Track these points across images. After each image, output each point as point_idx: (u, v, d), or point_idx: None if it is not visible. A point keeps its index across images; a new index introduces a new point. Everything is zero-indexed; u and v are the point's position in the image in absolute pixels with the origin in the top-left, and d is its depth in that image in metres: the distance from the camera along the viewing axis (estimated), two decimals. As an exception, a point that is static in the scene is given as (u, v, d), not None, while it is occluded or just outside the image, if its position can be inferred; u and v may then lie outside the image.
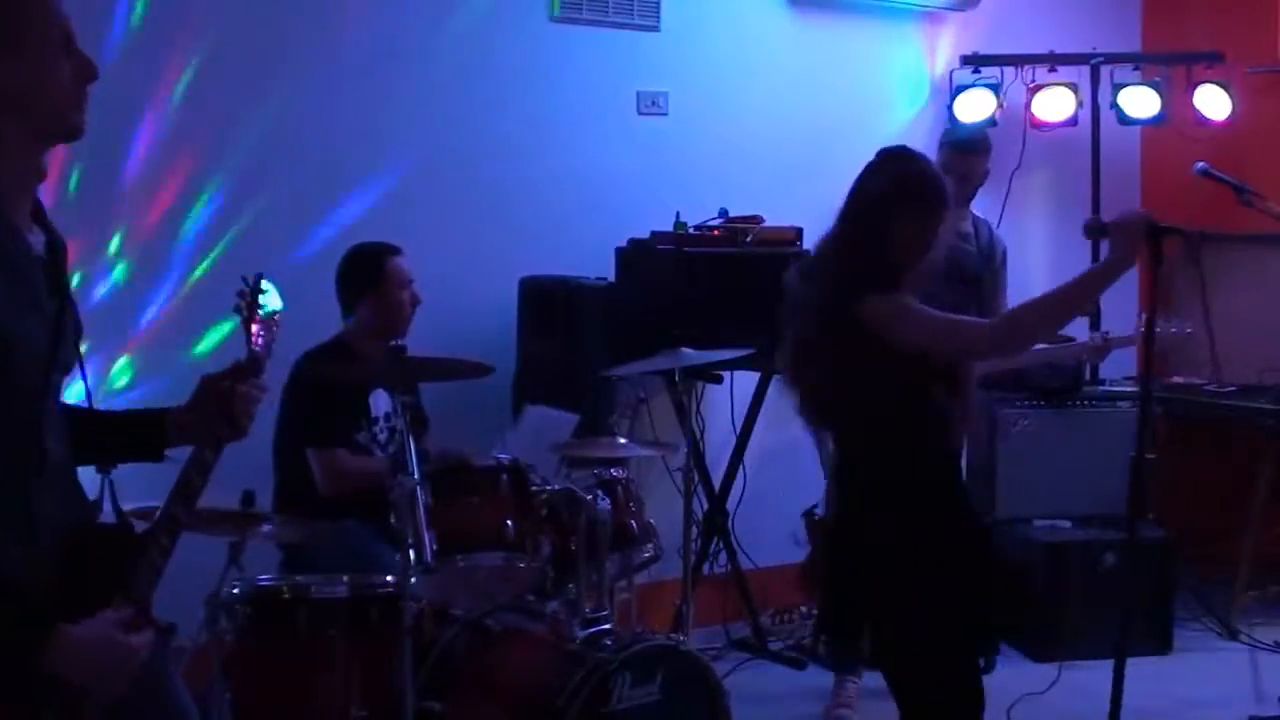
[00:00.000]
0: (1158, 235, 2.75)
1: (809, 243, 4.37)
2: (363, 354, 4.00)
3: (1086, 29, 5.98)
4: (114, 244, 4.22)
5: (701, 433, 4.89)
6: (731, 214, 4.85)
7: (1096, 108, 5.80)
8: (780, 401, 3.82)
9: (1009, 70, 5.79)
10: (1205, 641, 5.10)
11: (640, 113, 5.18)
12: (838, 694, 4.34)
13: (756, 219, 4.83)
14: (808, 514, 4.78)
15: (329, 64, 4.55)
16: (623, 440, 3.99)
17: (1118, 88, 5.79)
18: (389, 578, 3.30)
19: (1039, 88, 5.75)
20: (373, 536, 3.73)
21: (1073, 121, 5.76)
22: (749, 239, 4.73)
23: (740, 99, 5.35)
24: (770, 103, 5.41)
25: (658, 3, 5.15)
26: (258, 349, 2.17)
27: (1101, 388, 5.37)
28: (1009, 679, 4.40)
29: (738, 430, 5.06)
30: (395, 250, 4.07)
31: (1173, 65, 5.82)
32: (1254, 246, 5.73)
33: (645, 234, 4.83)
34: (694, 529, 4.45)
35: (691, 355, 4.06)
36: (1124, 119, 5.81)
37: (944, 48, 5.87)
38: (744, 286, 4.61)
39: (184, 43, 4.29)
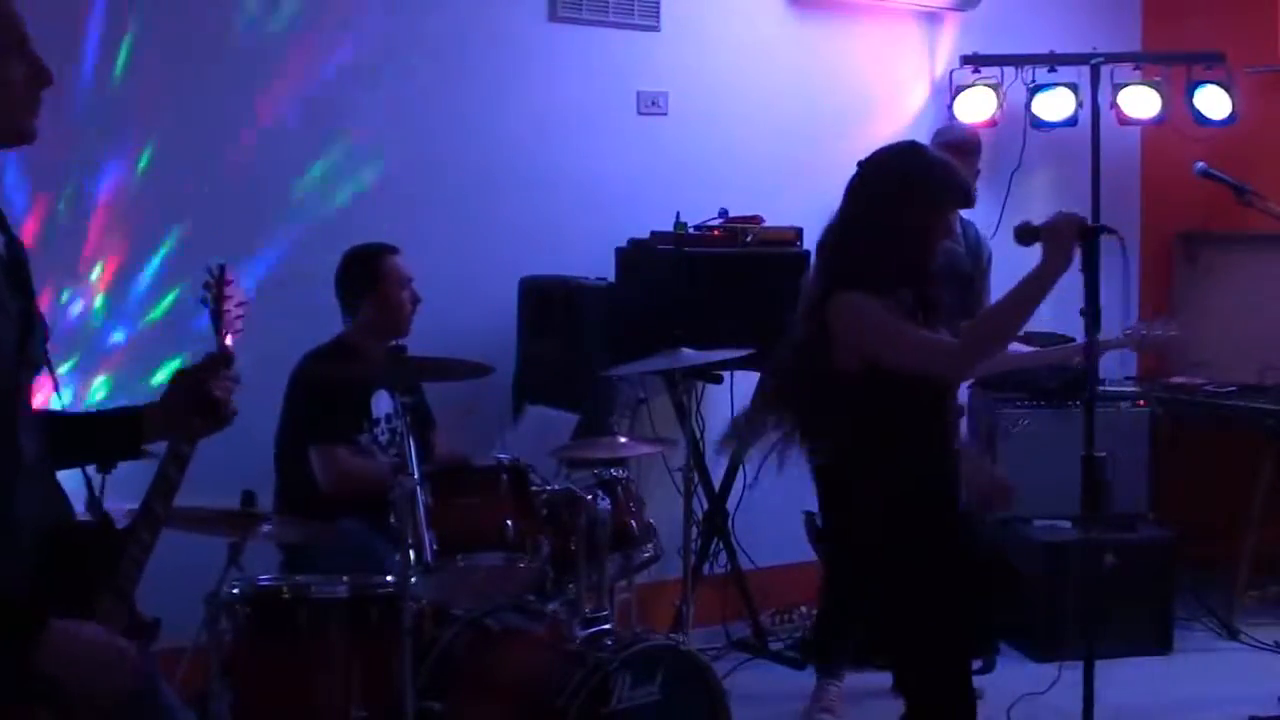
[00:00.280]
0: (1088, 236, 2.74)
1: (809, 243, 4.37)
2: (365, 354, 3.99)
3: (1086, 29, 5.97)
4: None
5: (701, 433, 4.88)
6: (731, 214, 4.85)
7: (1096, 108, 5.79)
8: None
9: (1009, 70, 5.78)
10: (1205, 641, 5.11)
11: (640, 113, 5.18)
12: (818, 697, 4.31)
13: (756, 219, 4.82)
14: (809, 516, 4.76)
15: (328, 63, 4.54)
16: (623, 439, 3.99)
17: (1118, 88, 5.80)
18: (389, 578, 3.30)
19: (1039, 88, 5.75)
20: (373, 536, 3.73)
21: (1073, 121, 5.75)
22: (749, 239, 4.73)
23: (740, 99, 5.35)
24: (770, 103, 5.41)
25: (658, 3, 5.15)
26: (227, 341, 2.18)
27: (1101, 388, 5.37)
28: (1009, 679, 4.40)
29: (738, 430, 5.06)
30: (393, 250, 4.07)
31: (1173, 65, 5.81)
32: (1254, 246, 5.73)
33: (645, 234, 4.82)
34: (694, 529, 4.45)
35: (691, 355, 4.05)
36: (1124, 119, 5.81)
37: (944, 48, 5.87)
38: (744, 286, 4.61)
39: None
